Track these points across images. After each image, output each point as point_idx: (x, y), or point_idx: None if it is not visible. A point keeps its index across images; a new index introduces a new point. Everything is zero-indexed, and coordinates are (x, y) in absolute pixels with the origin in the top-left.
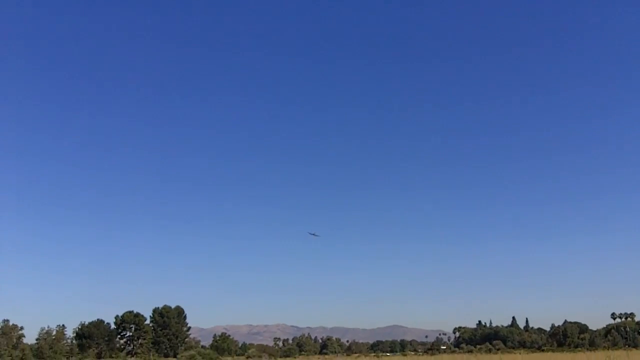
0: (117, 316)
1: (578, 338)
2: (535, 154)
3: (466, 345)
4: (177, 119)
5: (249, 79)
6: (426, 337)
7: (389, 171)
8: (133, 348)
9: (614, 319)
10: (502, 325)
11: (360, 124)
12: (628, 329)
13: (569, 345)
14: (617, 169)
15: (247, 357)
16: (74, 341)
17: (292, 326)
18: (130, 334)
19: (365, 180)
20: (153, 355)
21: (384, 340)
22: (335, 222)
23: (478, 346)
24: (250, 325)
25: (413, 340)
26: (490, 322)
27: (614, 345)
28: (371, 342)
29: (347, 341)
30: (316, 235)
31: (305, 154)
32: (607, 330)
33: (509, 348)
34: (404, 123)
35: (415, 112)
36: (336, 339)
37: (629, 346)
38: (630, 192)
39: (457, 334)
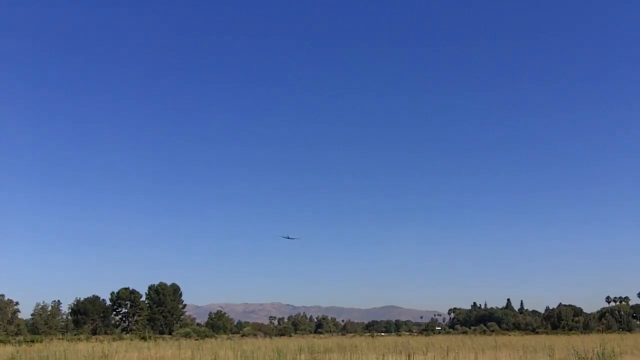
0: (113, 293)
1: (572, 321)
2: (531, 140)
3: (461, 326)
4: (178, 100)
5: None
6: (421, 317)
7: (384, 155)
8: (128, 325)
9: (609, 302)
10: (497, 307)
11: (354, 108)
12: (622, 313)
13: (563, 328)
14: (614, 156)
15: (242, 335)
16: (69, 317)
17: (288, 305)
18: (126, 310)
19: (361, 162)
20: (148, 332)
21: (379, 320)
22: (332, 204)
23: (472, 327)
24: (246, 303)
25: (408, 320)
26: (485, 304)
27: (608, 329)
28: (366, 322)
29: (343, 321)
30: (292, 238)
31: (304, 137)
32: (602, 313)
33: (504, 330)
34: (396, 108)
35: (406, 97)
36: (331, 318)
37: (623, 330)
38: (626, 178)
39: (452, 315)
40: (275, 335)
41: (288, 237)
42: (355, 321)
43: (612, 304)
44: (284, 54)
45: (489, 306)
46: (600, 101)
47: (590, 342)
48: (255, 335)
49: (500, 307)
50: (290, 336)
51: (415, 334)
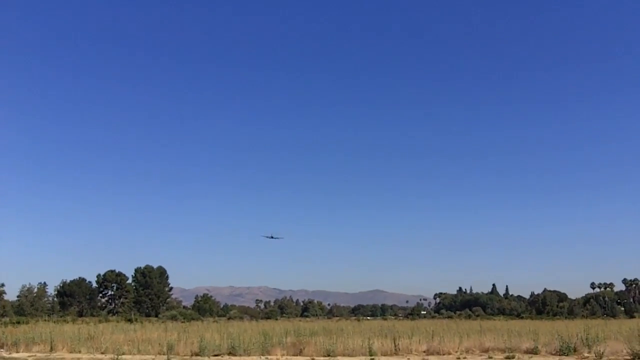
0: (99, 275)
1: (557, 306)
2: (517, 126)
3: (446, 311)
4: (171, 77)
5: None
6: (407, 302)
7: (370, 135)
8: (114, 307)
9: (593, 288)
10: (482, 292)
11: (349, 89)
12: (607, 299)
13: (548, 313)
14: (598, 142)
15: (228, 318)
16: (55, 299)
17: (274, 289)
18: (112, 293)
19: (347, 144)
20: (134, 314)
21: (365, 304)
22: (317, 188)
23: (458, 312)
24: (233, 286)
25: (394, 305)
26: (471, 289)
27: (593, 315)
28: (352, 306)
29: (329, 305)
30: (275, 238)
31: (294, 117)
32: (586, 299)
33: (489, 315)
34: (385, 92)
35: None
36: (318, 302)
37: (607, 316)
38: (613, 164)
39: (438, 300)
40: (262, 319)
41: (271, 237)
42: (342, 305)
43: (597, 290)
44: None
45: (474, 291)
46: (577, 89)
47: (575, 327)
48: (241, 318)
49: (485, 292)
50: (277, 319)
51: (401, 318)
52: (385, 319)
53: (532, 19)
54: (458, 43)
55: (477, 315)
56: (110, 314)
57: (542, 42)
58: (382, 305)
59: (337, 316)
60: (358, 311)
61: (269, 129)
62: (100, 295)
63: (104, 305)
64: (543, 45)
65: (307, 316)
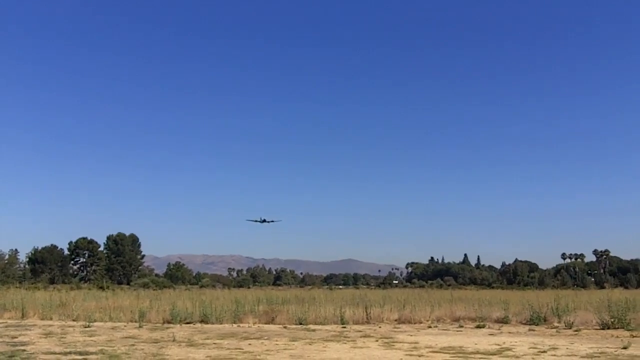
0: (71, 242)
1: (528, 277)
2: (491, 98)
3: (418, 280)
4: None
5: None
6: (379, 271)
7: (346, 109)
8: (86, 274)
9: (564, 259)
10: (454, 262)
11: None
12: (577, 270)
13: (519, 283)
14: (572, 115)
15: (200, 286)
16: (26, 266)
17: (247, 257)
18: (84, 260)
19: (324, 116)
20: (106, 281)
21: (337, 273)
22: (292, 158)
23: (430, 282)
24: (205, 255)
25: (366, 274)
26: (443, 259)
27: (563, 285)
28: (325, 275)
29: (301, 273)
30: (270, 222)
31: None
32: (557, 270)
33: (460, 284)
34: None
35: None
36: (290, 271)
37: (577, 286)
38: (582, 137)
39: (410, 270)
40: (234, 287)
41: (264, 221)
42: (314, 274)
43: (568, 260)
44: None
45: (446, 261)
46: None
47: (545, 297)
48: (213, 286)
49: (457, 262)
50: (249, 288)
51: (373, 287)
52: (358, 288)
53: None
54: None
55: (449, 285)
56: (82, 282)
57: None
58: (355, 274)
59: (309, 285)
60: (330, 280)
61: (247, 100)
62: (72, 262)
63: (75, 273)
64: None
65: (279, 285)
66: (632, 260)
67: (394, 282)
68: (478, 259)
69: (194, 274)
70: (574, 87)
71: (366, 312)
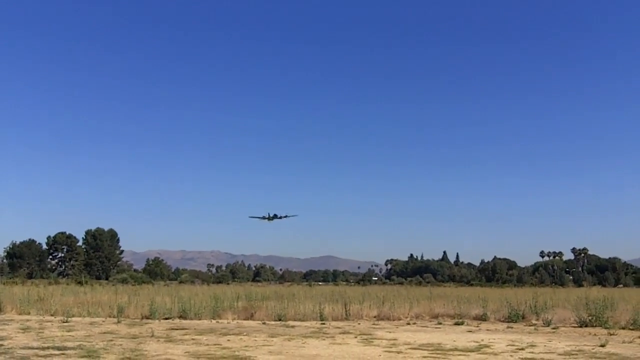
0: (49, 237)
1: (506, 274)
2: (469, 97)
3: (397, 277)
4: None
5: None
6: (359, 268)
7: (323, 106)
8: (65, 269)
9: (543, 257)
10: (433, 259)
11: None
12: (555, 268)
13: (497, 280)
14: (550, 114)
15: (179, 282)
16: (4, 260)
17: (226, 253)
18: (62, 255)
19: (301, 111)
20: (85, 276)
21: (317, 269)
22: (273, 156)
23: (409, 278)
24: (184, 250)
25: (345, 270)
26: (422, 256)
27: (541, 283)
28: (304, 271)
29: (281, 270)
30: (282, 217)
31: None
32: (535, 267)
33: (439, 281)
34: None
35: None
36: (270, 267)
37: (555, 284)
38: (560, 133)
39: (389, 266)
40: (213, 283)
41: (274, 217)
42: (294, 270)
43: (546, 258)
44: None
45: (425, 258)
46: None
47: (523, 295)
48: (192, 282)
49: (436, 259)
50: (228, 284)
51: (352, 284)
52: (337, 285)
53: None
54: None
55: (428, 282)
56: (61, 277)
57: None
58: (334, 271)
59: (289, 281)
60: (310, 276)
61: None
62: (50, 257)
63: (54, 268)
64: None
65: (259, 281)
66: (610, 258)
67: (374, 278)
68: (457, 256)
69: (173, 270)
70: (552, 85)
71: (345, 308)
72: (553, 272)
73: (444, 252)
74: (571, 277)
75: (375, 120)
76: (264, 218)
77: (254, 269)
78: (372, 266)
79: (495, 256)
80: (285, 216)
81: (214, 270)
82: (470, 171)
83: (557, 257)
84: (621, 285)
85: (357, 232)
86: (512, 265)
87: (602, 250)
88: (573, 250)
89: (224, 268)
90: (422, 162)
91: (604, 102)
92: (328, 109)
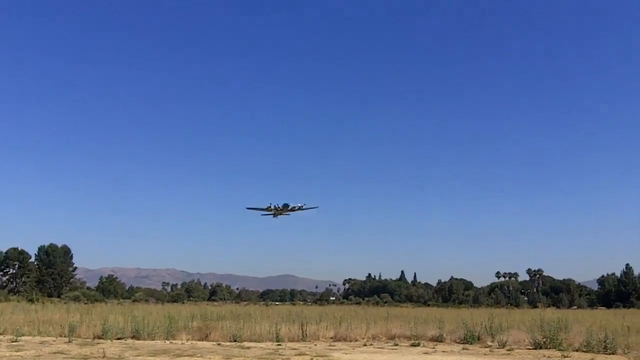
0: (1, 252)
1: (463, 294)
2: (434, 117)
3: (355, 296)
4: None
5: None
6: (316, 287)
7: (284, 118)
8: (16, 286)
9: (499, 277)
10: (391, 279)
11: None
12: (511, 288)
13: (454, 301)
14: (503, 135)
15: (133, 301)
16: None
17: (182, 271)
18: (14, 271)
19: (261, 124)
20: (36, 294)
21: (274, 289)
22: (230, 171)
23: (366, 298)
24: (139, 268)
25: (303, 290)
26: (380, 275)
27: (497, 303)
28: (262, 290)
29: (237, 289)
30: (300, 209)
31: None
32: (492, 288)
33: (397, 301)
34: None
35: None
36: (226, 286)
37: (511, 305)
38: (520, 162)
39: (347, 286)
40: (168, 302)
41: (286, 209)
42: (251, 289)
43: (502, 279)
44: None
45: (383, 277)
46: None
47: (479, 316)
48: (147, 301)
49: (394, 278)
50: (183, 303)
51: (310, 303)
52: (294, 304)
53: None
54: None
55: (385, 302)
56: (11, 294)
57: None
58: (292, 290)
59: (245, 300)
60: (267, 296)
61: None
62: (1, 273)
63: (4, 284)
64: None
65: (215, 300)
66: (564, 280)
67: (331, 298)
68: (414, 276)
69: (127, 288)
70: (514, 107)
71: (302, 329)
72: (509, 292)
73: (402, 272)
74: (526, 298)
75: (332, 138)
76: (267, 211)
77: (210, 287)
78: (330, 285)
79: (452, 276)
80: (300, 207)
81: (169, 288)
82: (428, 191)
83: (512, 278)
84: (575, 307)
85: (315, 251)
86: (468, 285)
87: (556, 271)
88: (528, 271)
89: (179, 287)
90: (380, 181)
91: (557, 127)
92: (285, 123)
